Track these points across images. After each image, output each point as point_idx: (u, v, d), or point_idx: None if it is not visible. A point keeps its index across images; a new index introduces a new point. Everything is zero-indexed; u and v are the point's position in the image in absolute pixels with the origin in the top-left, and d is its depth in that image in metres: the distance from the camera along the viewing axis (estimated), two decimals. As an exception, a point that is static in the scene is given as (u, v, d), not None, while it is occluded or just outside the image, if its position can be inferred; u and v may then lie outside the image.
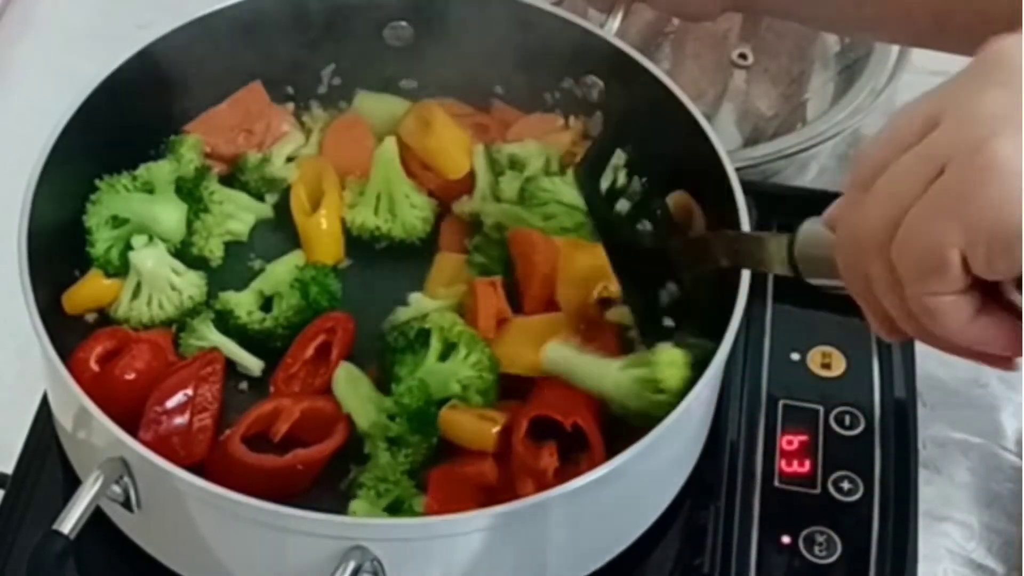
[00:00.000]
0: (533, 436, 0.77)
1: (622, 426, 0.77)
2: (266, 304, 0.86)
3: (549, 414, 0.77)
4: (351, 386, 0.81)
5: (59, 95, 0.84)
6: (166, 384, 0.79)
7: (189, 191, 0.87)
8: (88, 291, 0.85)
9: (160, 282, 0.84)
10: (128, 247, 0.85)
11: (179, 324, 0.85)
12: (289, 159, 0.93)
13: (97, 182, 0.86)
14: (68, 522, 0.68)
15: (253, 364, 0.84)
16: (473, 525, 0.71)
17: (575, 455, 0.77)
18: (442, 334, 0.80)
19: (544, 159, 0.91)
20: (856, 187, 0.60)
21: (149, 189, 0.86)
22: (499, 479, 0.77)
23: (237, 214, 0.89)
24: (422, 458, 0.79)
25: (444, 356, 0.80)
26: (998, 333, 0.58)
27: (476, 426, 0.78)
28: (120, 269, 0.85)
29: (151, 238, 0.85)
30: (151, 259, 0.84)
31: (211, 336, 0.84)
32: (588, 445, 0.76)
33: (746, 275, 0.77)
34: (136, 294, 0.84)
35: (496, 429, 0.78)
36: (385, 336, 0.83)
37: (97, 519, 0.72)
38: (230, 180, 0.92)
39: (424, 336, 0.81)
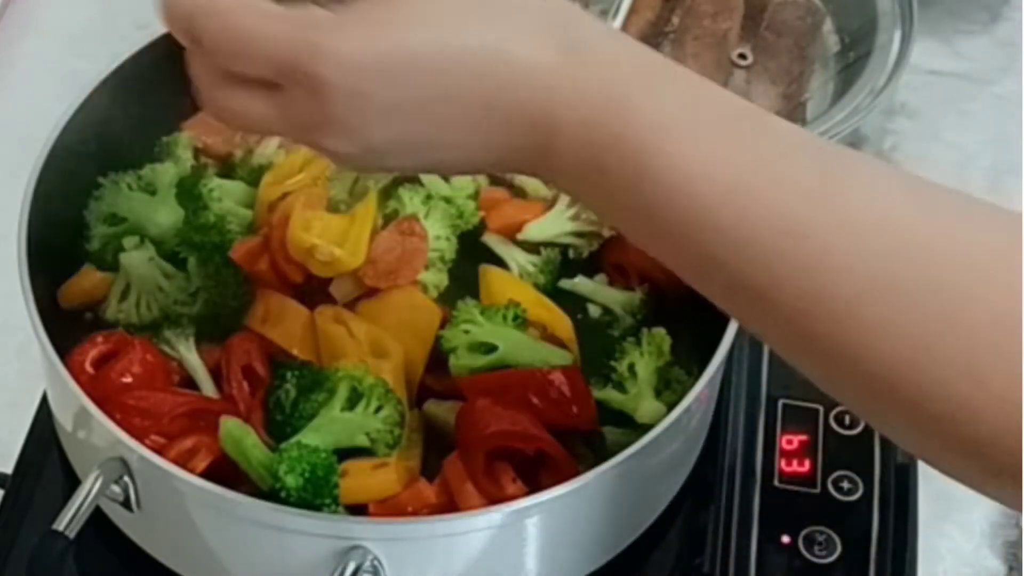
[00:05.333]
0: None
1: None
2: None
3: (510, 444, 0.75)
4: (237, 448, 0.75)
5: (59, 95, 0.84)
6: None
7: (188, 190, 0.86)
8: (82, 285, 0.85)
9: (148, 284, 0.84)
10: (122, 247, 0.85)
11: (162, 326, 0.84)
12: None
13: (100, 179, 0.86)
14: (68, 522, 0.68)
15: (210, 388, 0.82)
16: (473, 525, 0.71)
17: (534, 470, 0.76)
18: (350, 383, 0.77)
19: None
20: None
21: (152, 191, 0.86)
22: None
23: (235, 211, 0.88)
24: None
25: (351, 405, 0.77)
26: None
27: (376, 480, 0.76)
28: (113, 266, 0.85)
29: (143, 239, 0.85)
30: (140, 261, 0.84)
31: (180, 349, 0.82)
32: (548, 457, 0.76)
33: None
34: (125, 296, 0.84)
35: (394, 474, 0.76)
36: (275, 377, 0.80)
37: (97, 519, 0.72)
38: (227, 178, 0.92)
39: (318, 382, 0.78)
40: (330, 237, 0.82)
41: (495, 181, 0.90)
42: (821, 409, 0.88)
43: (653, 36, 1.12)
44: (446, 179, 0.89)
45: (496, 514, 0.71)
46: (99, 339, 0.81)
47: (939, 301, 0.52)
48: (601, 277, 0.89)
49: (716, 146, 0.56)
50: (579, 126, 0.58)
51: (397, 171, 0.63)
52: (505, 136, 0.59)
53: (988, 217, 0.55)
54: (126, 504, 0.73)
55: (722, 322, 0.76)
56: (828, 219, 0.54)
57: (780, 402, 0.88)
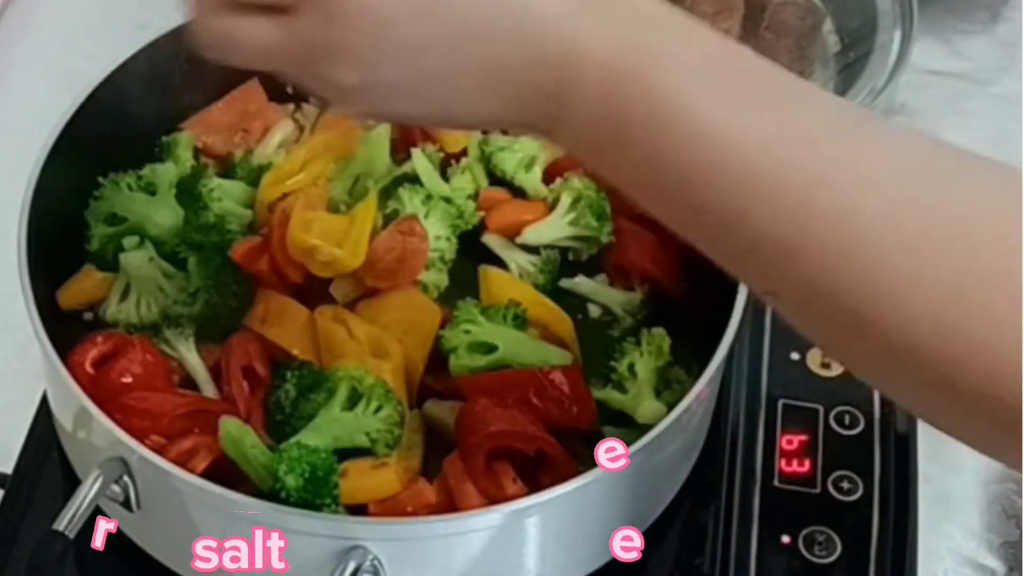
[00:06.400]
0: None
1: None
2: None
3: (510, 444, 0.75)
4: (237, 448, 0.75)
5: (59, 95, 0.84)
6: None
7: (187, 189, 0.86)
8: (82, 285, 0.85)
9: (149, 284, 0.84)
10: (122, 247, 0.85)
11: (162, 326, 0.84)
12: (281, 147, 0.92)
13: (101, 179, 0.86)
14: (68, 522, 0.68)
15: (210, 388, 0.82)
16: (473, 525, 0.71)
17: (534, 471, 0.76)
18: (350, 383, 0.77)
19: (522, 156, 0.90)
20: None
21: (152, 191, 0.86)
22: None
23: (235, 211, 0.88)
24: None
25: (351, 405, 0.77)
26: None
27: (376, 480, 0.76)
28: (113, 266, 0.85)
29: (143, 239, 0.85)
30: (140, 261, 0.84)
31: (180, 349, 0.82)
32: (548, 457, 0.76)
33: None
34: (125, 296, 0.84)
35: (394, 474, 0.76)
36: (275, 377, 0.80)
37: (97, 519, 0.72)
38: (227, 178, 0.92)
39: (318, 382, 0.78)
40: (330, 237, 0.82)
41: (494, 181, 0.90)
42: (821, 409, 0.88)
43: (653, 36, 1.12)
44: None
45: (496, 514, 0.71)
46: (99, 339, 0.81)
47: (956, 253, 0.52)
48: (602, 277, 0.89)
49: (745, 97, 0.55)
50: (599, 77, 0.56)
51: (401, 118, 0.61)
52: (519, 86, 0.57)
53: (992, 174, 0.54)
54: (126, 504, 0.73)
55: (722, 322, 0.76)
56: (856, 173, 0.53)
57: (780, 402, 0.88)
